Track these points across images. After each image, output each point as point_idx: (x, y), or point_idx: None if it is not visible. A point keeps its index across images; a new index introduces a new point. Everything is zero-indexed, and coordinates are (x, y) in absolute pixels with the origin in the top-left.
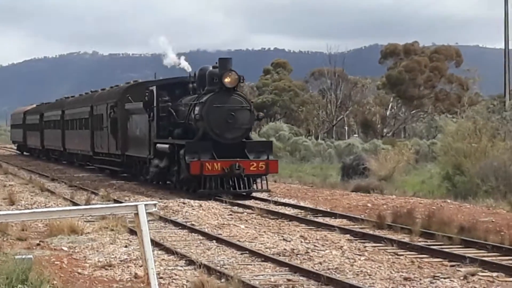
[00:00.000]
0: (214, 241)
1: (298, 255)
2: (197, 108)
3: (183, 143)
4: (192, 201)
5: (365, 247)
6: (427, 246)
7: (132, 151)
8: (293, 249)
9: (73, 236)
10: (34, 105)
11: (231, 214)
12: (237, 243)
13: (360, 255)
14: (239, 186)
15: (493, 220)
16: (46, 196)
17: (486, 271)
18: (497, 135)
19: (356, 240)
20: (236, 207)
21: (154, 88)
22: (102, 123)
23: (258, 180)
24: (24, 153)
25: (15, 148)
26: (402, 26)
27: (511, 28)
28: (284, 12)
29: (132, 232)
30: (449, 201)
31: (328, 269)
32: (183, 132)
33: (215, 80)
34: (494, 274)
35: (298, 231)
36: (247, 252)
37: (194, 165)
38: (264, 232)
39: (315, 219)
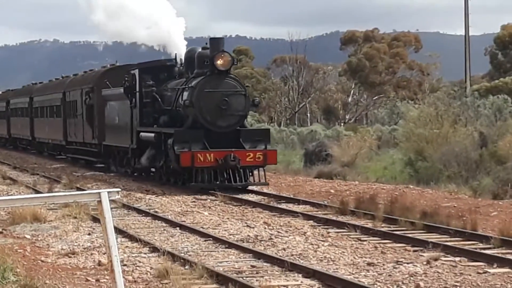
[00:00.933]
0: (178, 228)
1: (262, 242)
2: (185, 93)
3: (172, 131)
4: (155, 188)
5: (328, 233)
6: (390, 232)
7: (111, 140)
8: (257, 236)
9: (36, 224)
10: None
11: (194, 201)
12: (201, 229)
13: (323, 241)
14: (234, 179)
15: (455, 205)
16: (8, 184)
17: (449, 256)
18: (458, 121)
19: (319, 226)
20: (200, 195)
21: (136, 71)
22: (76, 111)
23: (255, 173)
24: None
25: None
26: (362, 13)
27: (471, 14)
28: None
29: (95, 219)
30: (411, 186)
31: (292, 255)
32: (170, 120)
33: (206, 62)
34: (457, 258)
35: (261, 218)
36: (210, 238)
37: (184, 156)
38: (228, 218)
39: (279, 206)
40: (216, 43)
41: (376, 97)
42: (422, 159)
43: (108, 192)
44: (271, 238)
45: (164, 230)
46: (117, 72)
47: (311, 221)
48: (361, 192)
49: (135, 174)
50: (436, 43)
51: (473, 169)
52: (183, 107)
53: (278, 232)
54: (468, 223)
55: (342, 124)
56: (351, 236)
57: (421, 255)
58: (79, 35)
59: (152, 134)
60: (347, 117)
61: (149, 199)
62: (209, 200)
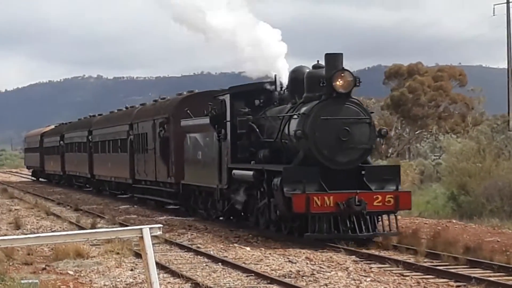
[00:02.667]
0: (220, 263)
1: (304, 277)
2: (294, 122)
3: (279, 169)
4: (197, 223)
5: (370, 268)
6: (432, 267)
7: (192, 179)
8: (299, 271)
9: (79, 260)
10: (52, 126)
11: (237, 237)
12: (243, 265)
13: (365, 276)
14: (360, 227)
15: (499, 240)
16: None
17: None
18: (501, 154)
19: (361, 261)
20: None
21: (227, 97)
22: (147, 145)
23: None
24: (41, 179)
25: (30, 174)
26: (404, 47)
27: None
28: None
29: (138, 255)
30: (454, 221)
31: None
32: (272, 154)
33: (322, 83)
34: None
35: (303, 253)
36: (252, 274)
37: (297, 200)
38: (270, 254)
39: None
40: (333, 60)
41: (419, 131)
42: (465, 194)
43: (150, 228)
44: (313, 274)
45: (206, 265)
46: (198, 100)
47: (353, 256)
48: (404, 226)
49: (221, 218)
50: (479, 76)
51: None
52: (292, 138)
53: (320, 267)
54: None
55: (384, 158)
56: (394, 272)
57: None
58: (122, 70)
59: (250, 172)
60: (389, 151)
61: (191, 234)
62: (251, 235)
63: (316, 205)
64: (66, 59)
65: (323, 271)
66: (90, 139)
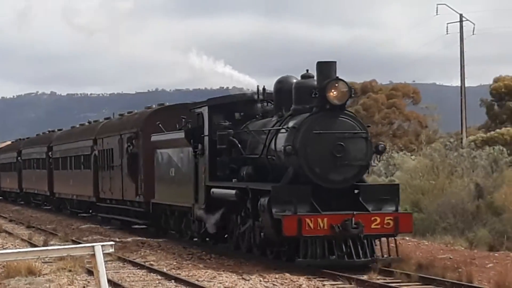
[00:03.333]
0: (173, 281)
1: None
2: (282, 137)
3: (267, 188)
4: (150, 240)
5: (323, 285)
6: (385, 284)
7: (163, 197)
8: None
9: (31, 277)
10: (9, 142)
11: (190, 254)
12: (196, 282)
13: None
14: (357, 253)
15: (451, 257)
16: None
17: None
18: (454, 172)
19: (315, 278)
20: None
21: (204, 109)
22: (113, 161)
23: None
24: None
25: None
26: (358, 65)
27: (467, 65)
28: (234, 50)
29: (90, 272)
30: (407, 238)
31: None
32: (256, 172)
33: (313, 94)
34: None
35: (257, 270)
36: None
37: (288, 222)
38: (223, 271)
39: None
40: (326, 69)
41: None
42: (418, 211)
43: (102, 246)
44: None
45: (159, 283)
46: (169, 113)
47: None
48: None
49: (195, 239)
50: (433, 94)
51: (469, 220)
52: (281, 155)
53: (274, 284)
54: (464, 275)
55: None
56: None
57: None
58: (76, 87)
59: (232, 191)
60: None
61: (145, 251)
62: (204, 253)
63: (309, 227)
64: (18, 75)
65: None
66: (50, 155)
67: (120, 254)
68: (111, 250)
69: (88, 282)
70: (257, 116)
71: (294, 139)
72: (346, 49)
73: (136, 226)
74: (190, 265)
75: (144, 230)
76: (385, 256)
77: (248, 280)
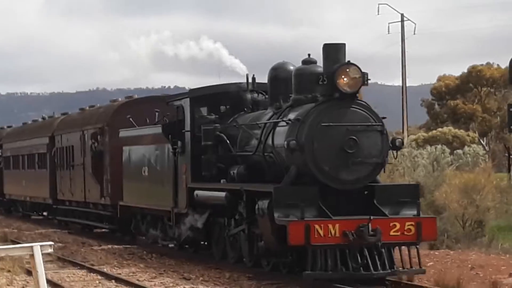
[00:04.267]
0: (113, 281)
1: None
2: (282, 131)
3: (268, 189)
4: (90, 240)
5: None
6: None
7: (133, 200)
8: None
9: None
10: None
11: (131, 254)
12: (136, 282)
13: None
14: (374, 264)
15: None
16: None
17: None
18: (395, 171)
19: None
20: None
21: (186, 102)
22: (73, 160)
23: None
24: None
25: None
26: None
27: (409, 65)
28: None
29: (30, 273)
30: None
31: None
32: (249, 172)
33: (321, 81)
34: None
35: (198, 270)
36: None
37: (295, 229)
38: (164, 271)
39: None
40: (334, 52)
41: None
42: None
43: (41, 246)
44: None
45: (100, 283)
46: (138, 107)
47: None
48: None
49: (171, 246)
50: (375, 93)
51: None
52: (280, 151)
53: (215, 284)
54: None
55: None
56: None
57: None
58: (15, 86)
59: (222, 194)
60: None
61: (85, 251)
62: (145, 252)
63: (318, 235)
64: None
65: None
66: (0, 154)
67: (60, 254)
68: (50, 250)
69: (27, 282)
70: (245, 109)
71: (299, 132)
72: (289, 49)
73: (98, 230)
74: (131, 264)
75: (110, 235)
76: (406, 267)
77: (189, 279)
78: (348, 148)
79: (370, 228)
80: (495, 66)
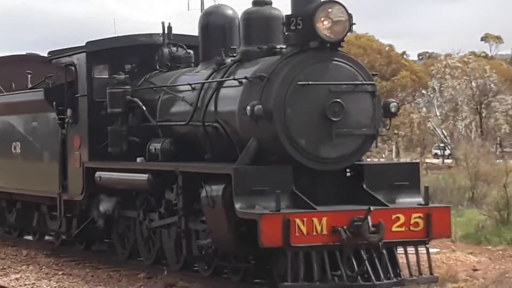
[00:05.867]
0: None
1: None
2: (229, 93)
3: (225, 171)
4: None
5: None
6: None
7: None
8: None
9: None
10: None
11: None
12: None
13: None
14: (375, 271)
15: None
16: None
17: None
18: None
19: None
20: None
21: (81, 58)
22: None
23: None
24: None
25: None
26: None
27: None
28: None
29: None
30: None
31: None
32: (178, 147)
33: (294, 25)
34: None
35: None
36: None
37: (269, 225)
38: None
39: None
40: None
41: None
42: None
43: None
44: None
45: None
46: (13, 65)
47: None
48: None
49: (49, 238)
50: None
51: None
52: (231, 120)
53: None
54: None
55: None
56: None
57: None
58: None
59: (143, 176)
60: None
61: None
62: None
63: (300, 232)
64: None
65: None
66: None
67: None
68: None
69: None
70: (161, 66)
71: (264, 95)
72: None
73: None
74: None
75: None
76: (414, 274)
77: (53, 276)
78: (331, 115)
79: (369, 223)
80: None
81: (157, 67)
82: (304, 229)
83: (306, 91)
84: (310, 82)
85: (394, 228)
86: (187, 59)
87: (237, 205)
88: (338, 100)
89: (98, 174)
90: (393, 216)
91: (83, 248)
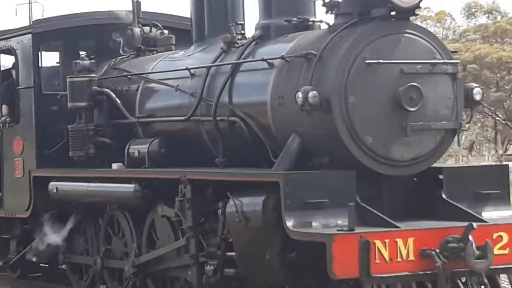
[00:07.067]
0: None
1: None
2: (256, 77)
3: (274, 178)
4: None
5: None
6: None
7: None
8: None
9: None
10: None
11: None
12: None
13: None
14: None
15: None
16: None
17: None
18: None
19: None
20: None
21: (25, 41)
22: None
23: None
24: None
25: None
26: None
27: None
28: None
29: None
30: None
31: None
32: (172, 149)
33: None
34: None
35: None
36: None
37: (343, 249)
38: None
39: None
40: None
41: None
42: None
43: None
44: None
45: None
46: None
47: None
48: None
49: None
50: None
51: None
52: (262, 112)
53: None
54: None
55: None
56: None
57: None
58: None
59: (128, 187)
60: None
61: None
62: None
63: (382, 259)
64: None
65: None
66: None
67: None
68: None
69: None
70: (124, 51)
71: (315, 78)
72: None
73: None
74: None
75: None
76: None
77: None
78: (407, 103)
79: (473, 245)
80: None
81: (121, 52)
82: (386, 254)
83: (373, 72)
84: (380, 61)
85: (496, 250)
86: (165, 41)
87: (289, 223)
88: (415, 83)
89: (53, 184)
90: (495, 235)
91: (17, 277)
